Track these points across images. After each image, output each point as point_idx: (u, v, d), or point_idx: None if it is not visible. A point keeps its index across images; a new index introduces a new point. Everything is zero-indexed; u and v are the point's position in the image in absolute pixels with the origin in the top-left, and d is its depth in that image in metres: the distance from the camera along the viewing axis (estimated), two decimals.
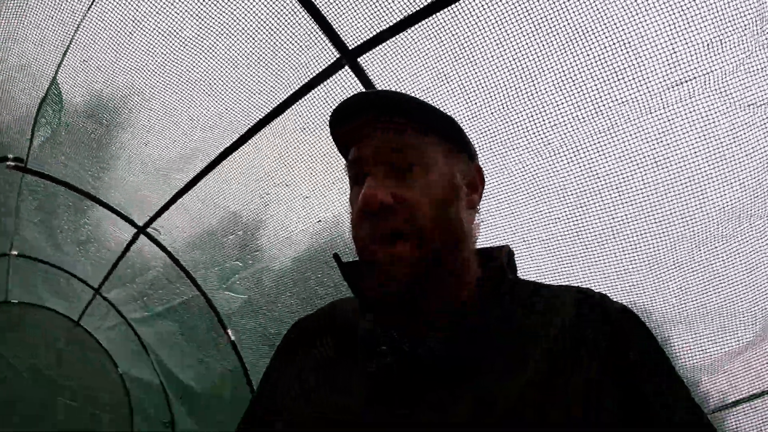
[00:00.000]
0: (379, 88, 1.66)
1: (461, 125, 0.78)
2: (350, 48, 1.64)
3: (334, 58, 1.67)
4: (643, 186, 1.43)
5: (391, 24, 1.59)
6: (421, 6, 1.52)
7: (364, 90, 1.62)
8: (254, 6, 1.65)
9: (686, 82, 1.29)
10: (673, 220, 1.43)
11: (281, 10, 1.66)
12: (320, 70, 1.69)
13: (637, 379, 0.63)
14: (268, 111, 1.73)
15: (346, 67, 1.66)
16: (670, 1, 1.22)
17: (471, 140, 0.81)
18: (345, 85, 1.68)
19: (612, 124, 1.41)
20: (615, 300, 0.71)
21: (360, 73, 1.65)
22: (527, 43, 1.42)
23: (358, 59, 1.64)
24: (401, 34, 1.59)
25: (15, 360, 4.36)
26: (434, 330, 0.68)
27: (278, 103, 1.71)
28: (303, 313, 0.88)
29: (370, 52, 1.62)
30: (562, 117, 1.45)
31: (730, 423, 1.54)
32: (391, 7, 1.57)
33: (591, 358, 0.63)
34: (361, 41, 1.62)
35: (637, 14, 1.28)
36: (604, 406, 0.60)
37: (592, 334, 0.65)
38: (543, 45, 1.40)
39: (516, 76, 1.48)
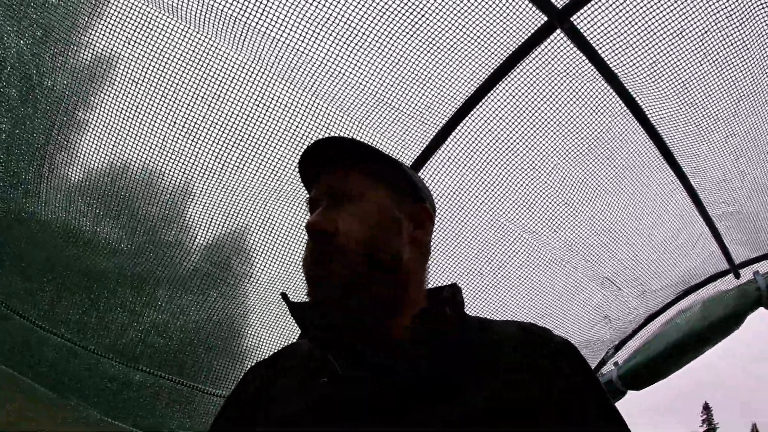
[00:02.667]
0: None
1: (411, 171, 0.90)
2: (558, 7, 1.59)
3: (542, 22, 1.63)
4: None
5: None
6: None
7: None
8: None
9: None
10: None
11: None
12: (528, 35, 1.67)
13: (572, 406, 0.69)
14: (478, 86, 1.79)
15: (558, 30, 1.62)
16: None
17: (423, 184, 0.91)
18: (560, 50, 1.66)
19: None
20: (556, 334, 0.78)
21: (574, 34, 1.62)
22: None
23: (571, 19, 1.60)
24: None
25: None
26: (374, 354, 0.73)
27: (488, 74, 1.76)
28: None
29: (584, 9, 1.57)
30: None
31: None
32: None
33: (533, 381, 0.70)
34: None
35: None
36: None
37: (534, 361, 0.72)
38: None
39: None
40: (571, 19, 1.60)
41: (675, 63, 1.69)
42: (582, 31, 1.62)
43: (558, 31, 1.63)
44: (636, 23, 1.60)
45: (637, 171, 2.00)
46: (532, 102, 1.82)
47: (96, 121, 1.80)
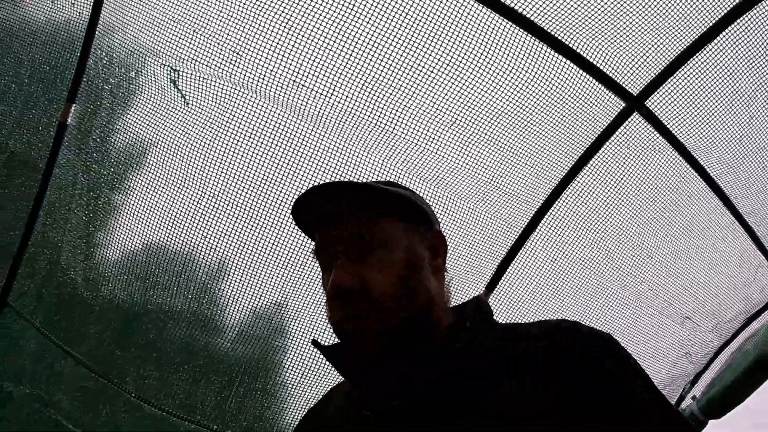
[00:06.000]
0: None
1: (416, 196, 0.87)
2: (635, 94, 1.83)
3: (620, 107, 1.88)
4: None
5: (671, 59, 1.74)
6: (704, 30, 1.66)
7: None
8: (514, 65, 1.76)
9: None
10: None
11: (550, 69, 1.79)
12: (608, 122, 1.91)
13: (612, 394, 0.67)
14: (563, 175, 2.01)
15: (636, 114, 1.87)
16: None
17: (428, 206, 0.89)
18: (639, 133, 1.91)
19: None
20: (587, 326, 0.75)
21: (651, 117, 1.87)
22: None
23: (646, 103, 1.85)
24: (685, 66, 1.75)
25: None
26: (409, 383, 0.75)
27: (572, 164, 1.99)
28: None
29: (657, 92, 1.82)
30: None
31: None
32: (666, 41, 1.71)
33: (561, 375, 0.68)
34: (644, 84, 1.81)
35: None
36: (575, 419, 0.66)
37: (563, 353, 0.70)
38: None
39: None
40: (646, 103, 1.85)
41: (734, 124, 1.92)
42: (657, 113, 1.87)
43: (635, 113, 1.88)
44: (706, 98, 1.84)
45: (705, 227, 2.23)
46: (616, 182, 2.05)
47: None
